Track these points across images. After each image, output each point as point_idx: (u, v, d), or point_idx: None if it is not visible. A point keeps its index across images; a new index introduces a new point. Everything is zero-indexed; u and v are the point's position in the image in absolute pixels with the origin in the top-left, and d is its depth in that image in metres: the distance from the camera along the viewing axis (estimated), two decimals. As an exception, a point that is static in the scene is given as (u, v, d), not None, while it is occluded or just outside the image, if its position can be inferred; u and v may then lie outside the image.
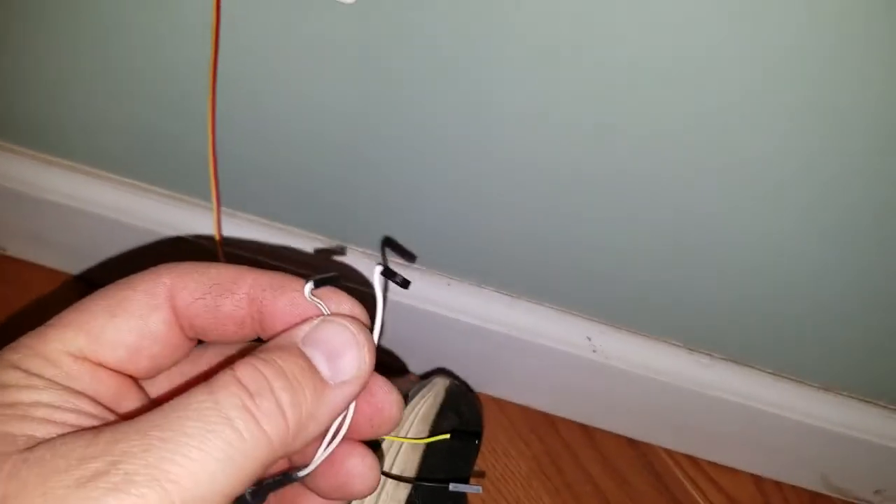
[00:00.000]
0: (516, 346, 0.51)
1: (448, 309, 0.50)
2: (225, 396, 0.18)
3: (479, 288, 0.50)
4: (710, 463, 0.58)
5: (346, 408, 0.22)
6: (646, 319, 0.50)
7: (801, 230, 0.40)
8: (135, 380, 0.22)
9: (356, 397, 0.22)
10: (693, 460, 0.58)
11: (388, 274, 0.23)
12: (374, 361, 0.22)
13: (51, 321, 0.20)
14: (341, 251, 0.49)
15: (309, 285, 0.22)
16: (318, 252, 0.49)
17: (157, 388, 0.23)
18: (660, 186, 0.39)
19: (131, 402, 0.21)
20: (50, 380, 0.19)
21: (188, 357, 0.24)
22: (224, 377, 0.18)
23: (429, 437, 0.41)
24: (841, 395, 0.52)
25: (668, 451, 0.58)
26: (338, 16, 0.35)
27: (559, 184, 0.41)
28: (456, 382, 0.47)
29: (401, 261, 0.49)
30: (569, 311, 0.50)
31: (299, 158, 0.44)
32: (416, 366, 0.56)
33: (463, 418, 0.44)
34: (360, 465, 0.23)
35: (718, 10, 0.31)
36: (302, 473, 0.23)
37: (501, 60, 0.35)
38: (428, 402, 0.43)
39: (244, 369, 0.19)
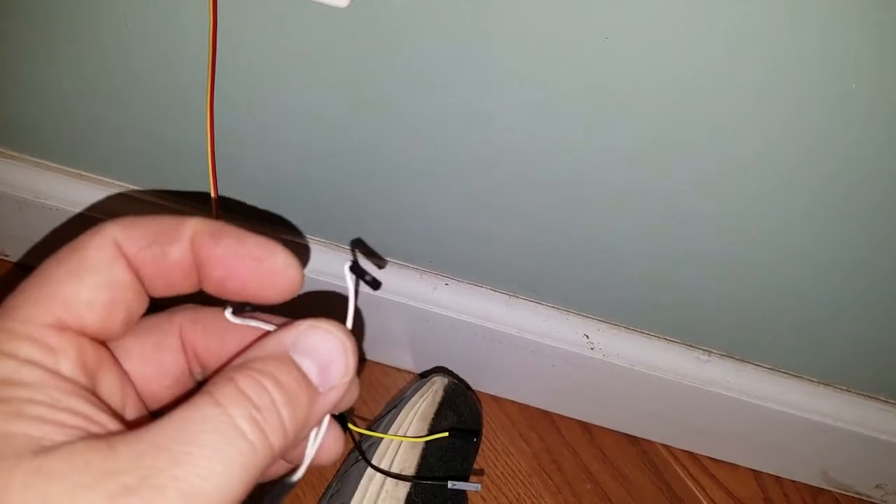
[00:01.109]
0: (514, 345, 0.51)
1: (446, 308, 0.50)
2: (234, 409, 0.18)
3: (477, 287, 0.50)
4: (710, 459, 0.58)
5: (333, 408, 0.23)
6: (643, 316, 0.50)
7: (798, 225, 0.40)
8: (108, 349, 0.22)
9: (342, 398, 0.22)
10: (693, 456, 0.58)
11: (357, 272, 0.24)
12: (357, 362, 0.22)
13: (13, 300, 0.19)
14: (380, 263, 0.49)
15: (228, 310, 0.23)
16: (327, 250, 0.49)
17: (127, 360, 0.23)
18: (655, 186, 0.40)
19: (110, 378, 0.21)
20: (39, 366, 0.18)
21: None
22: (227, 388, 0.19)
23: (428, 435, 0.41)
24: (840, 389, 0.52)
25: (668, 448, 0.58)
26: (331, 20, 0.35)
27: (555, 185, 0.41)
28: (454, 381, 0.47)
29: (371, 265, 0.49)
30: (566, 308, 0.51)
31: (297, 163, 0.44)
32: (415, 364, 0.56)
33: (462, 417, 0.44)
34: (326, 437, 0.24)
35: (715, 16, 0.31)
36: (296, 477, 0.24)
37: (498, 66, 0.35)
38: (427, 400, 0.43)
39: (246, 382, 0.19)
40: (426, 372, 0.54)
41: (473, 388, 0.56)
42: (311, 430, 0.21)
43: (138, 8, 0.37)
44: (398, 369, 0.57)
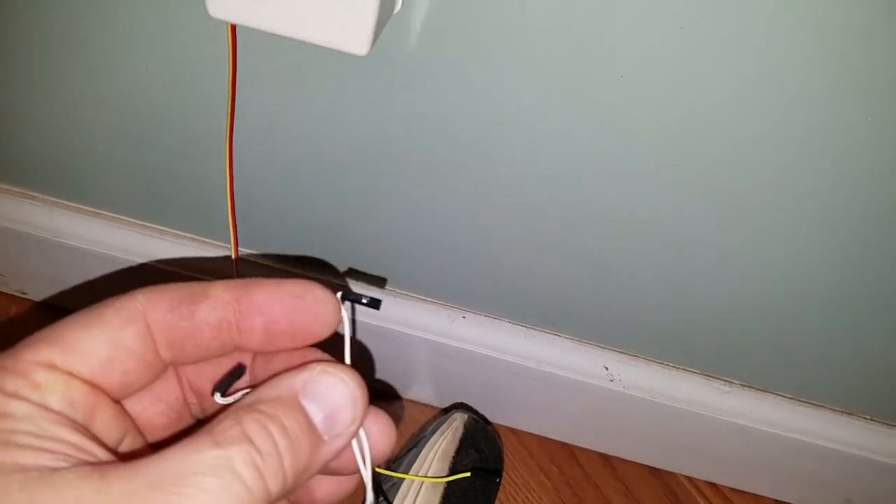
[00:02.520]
0: (534, 377, 0.51)
1: (464, 341, 0.50)
2: (236, 453, 0.18)
3: (495, 320, 0.50)
4: (732, 489, 0.58)
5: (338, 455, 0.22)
6: (663, 348, 0.50)
7: (818, 255, 0.40)
8: (107, 394, 0.21)
9: (347, 445, 0.22)
10: (715, 487, 0.57)
11: (352, 298, 0.23)
12: (366, 411, 0.22)
13: (23, 341, 0.20)
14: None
15: (217, 395, 0.22)
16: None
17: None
18: (672, 217, 0.40)
19: (106, 415, 0.21)
20: (27, 400, 0.18)
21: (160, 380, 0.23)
22: (232, 431, 0.19)
23: (449, 475, 0.40)
24: (863, 418, 0.52)
25: (690, 479, 0.57)
26: (350, 67, 0.35)
27: (572, 217, 0.41)
28: (475, 417, 0.47)
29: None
30: (585, 340, 0.50)
31: (314, 203, 0.44)
32: (433, 398, 0.56)
33: (483, 454, 0.44)
34: (377, 434, 0.24)
35: (728, 53, 0.31)
36: (369, 501, 0.25)
37: (513, 104, 0.36)
38: (447, 438, 0.43)
39: (251, 426, 0.19)
40: (446, 408, 0.54)
41: (492, 420, 0.56)
42: (312, 476, 0.21)
43: (159, 54, 0.38)
44: (415, 402, 0.57)
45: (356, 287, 0.48)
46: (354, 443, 0.23)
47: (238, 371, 0.24)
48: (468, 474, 0.38)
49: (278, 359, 0.24)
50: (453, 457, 0.42)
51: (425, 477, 0.40)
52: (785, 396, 0.51)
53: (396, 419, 0.55)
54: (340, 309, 0.23)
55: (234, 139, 0.39)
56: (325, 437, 0.21)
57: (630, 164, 0.37)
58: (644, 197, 0.39)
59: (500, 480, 0.44)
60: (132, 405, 0.23)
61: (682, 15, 0.30)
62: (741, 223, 0.39)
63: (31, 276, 0.54)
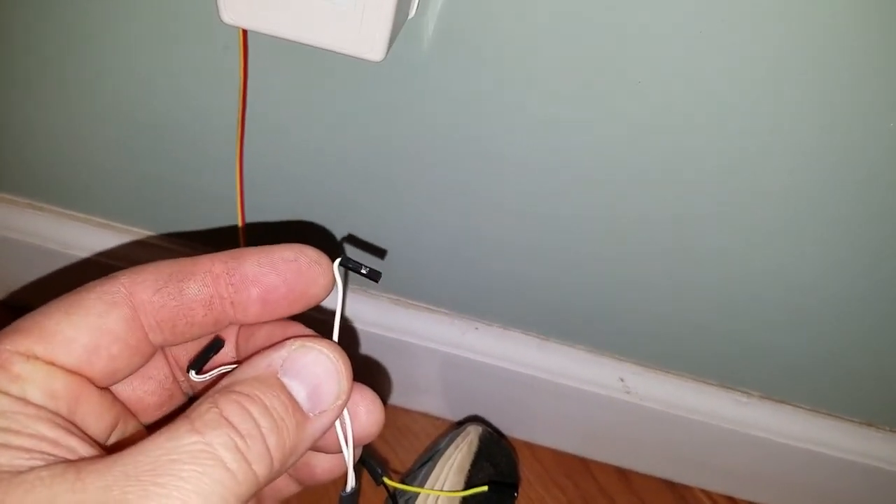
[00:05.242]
0: (547, 389, 0.50)
1: (477, 352, 0.49)
2: (215, 437, 0.17)
3: (508, 330, 0.50)
4: (749, 502, 0.57)
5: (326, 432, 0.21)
6: (679, 359, 0.49)
7: (836, 265, 0.39)
8: (93, 381, 0.21)
9: (335, 422, 0.21)
10: (732, 500, 0.57)
11: (350, 267, 0.22)
12: (352, 385, 0.21)
13: (4, 329, 0.19)
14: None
15: (192, 372, 0.22)
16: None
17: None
18: (689, 226, 0.39)
19: (91, 403, 0.20)
20: (6, 393, 0.18)
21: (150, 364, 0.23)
22: (209, 415, 0.18)
23: (465, 488, 0.40)
24: (883, 430, 0.51)
25: (707, 492, 0.56)
26: (365, 72, 0.35)
27: (586, 226, 0.41)
28: (489, 430, 0.46)
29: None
30: (600, 351, 0.50)
31: (326, 211, 0.44)
32: (445, 410, 0.55)
33: (498, 468, 0.43)
34: (364, 414, 0.23)
35: (745, 59, 0.31)
36: (349, 488, 0.24)
37: (527, 113, 0.35)
38: (462, 452, 0.42)
39: (230, 407, 0.18)
40: (460, 421, 0.53)
41: (506, 434, 0.55)
42: (301, 456, 0.20)
43: (167, 63, 0.38)
44: (427, 415, 0.56)
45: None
46: (338, 422, 0.22)
47: (215, 345, 0.23)
48: (485, 488, 0.37)
49: (260, 333, 0.23)
50: (469, 470, 0.41)
51: (441, 491, 0.39)
52: (803, 408, 0.51)
53: (409, 432, 0.54)
54: (333, 269, 0.23)
55: (244, 147, 0.39)
56: (311, 415, 0.20)
57: (645, 172, 0.37)
58: (660, 205, 0.38)
59: (516, 494, 0.44)
60: (121, 387, 0.23)
61: (702, 19, 0.30)
62: (759, 232, 0.39)
63: (35, 285, 0.54)
